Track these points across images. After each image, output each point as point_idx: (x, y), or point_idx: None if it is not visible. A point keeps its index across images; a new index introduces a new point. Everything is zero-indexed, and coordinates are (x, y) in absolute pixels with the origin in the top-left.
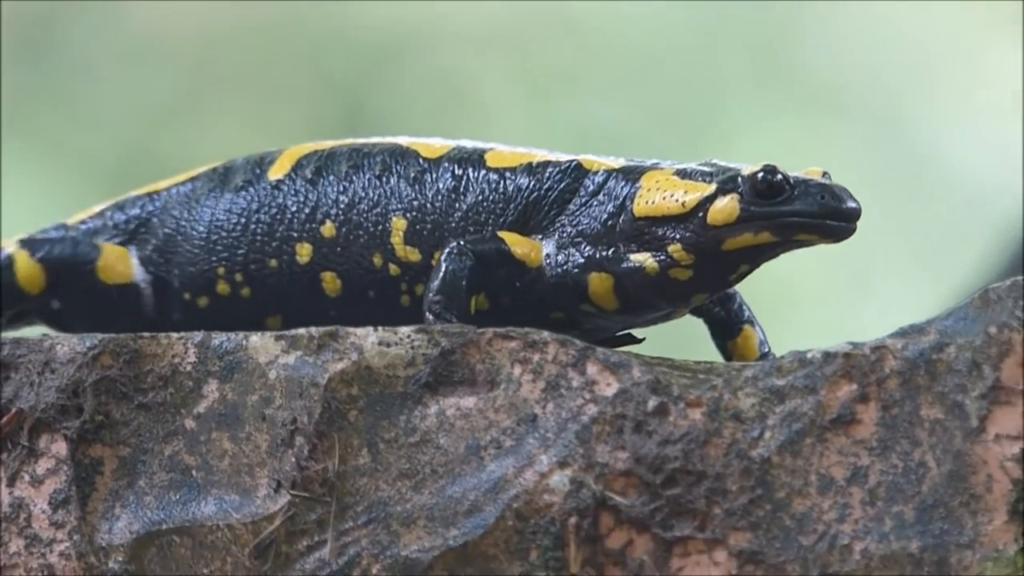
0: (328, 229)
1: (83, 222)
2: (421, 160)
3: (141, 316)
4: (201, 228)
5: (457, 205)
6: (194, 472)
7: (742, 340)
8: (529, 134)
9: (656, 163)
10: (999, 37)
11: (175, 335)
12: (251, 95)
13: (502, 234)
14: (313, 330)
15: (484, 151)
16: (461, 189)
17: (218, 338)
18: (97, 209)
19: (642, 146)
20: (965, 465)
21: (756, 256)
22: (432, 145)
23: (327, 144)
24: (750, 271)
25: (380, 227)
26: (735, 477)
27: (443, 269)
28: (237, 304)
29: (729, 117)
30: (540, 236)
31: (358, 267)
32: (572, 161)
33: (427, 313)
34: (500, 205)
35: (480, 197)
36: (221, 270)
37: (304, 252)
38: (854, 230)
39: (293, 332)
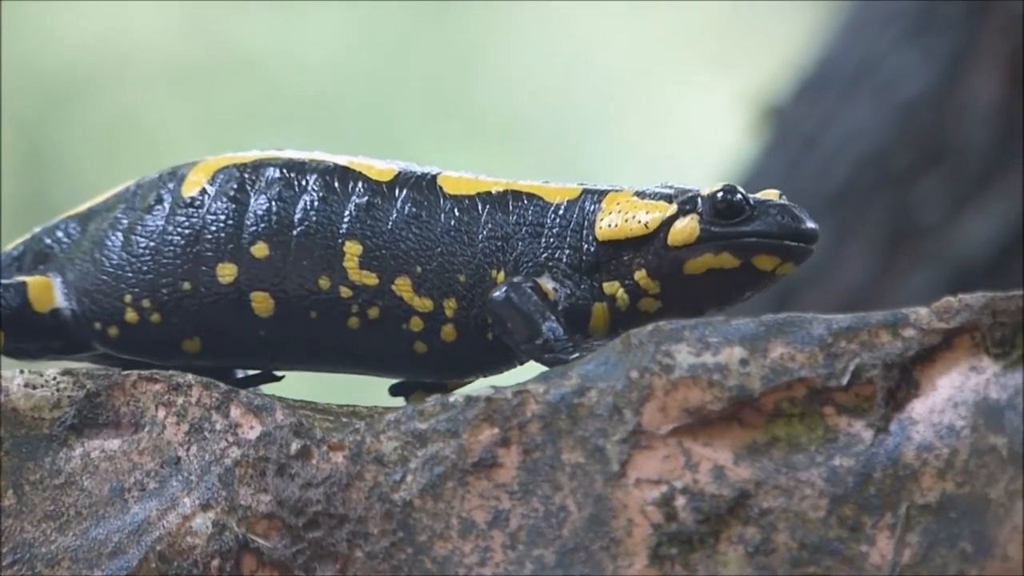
0: (260, 249)
1: (16, 247)
2: (370, 182)
3: (70, 338)
4: (110, 252)
5: (421, 233)
6: None
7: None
8: None
9: (613, 185)
10: (679, 79)
11: None
12: None
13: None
14: None
15: (436, 174)
16: (424, 216)
17: None
18: (32, 232)
19: None
20: (606, 509)
21: (720, 287)
22: (375, 166)
23: (247, 157)
24: (717, 312)
25: (329, 250)
26: (377, 520)
27: (517, 312)
28: (147, 330)
29: (408, 152)
30: (526, 271)
31: (300, 288)
32: (532, 194)
33: (542, 358)
34: (468, 234)
35: (446, 226)
36: (128, 297)
37: (227, 272)
38: (812, 251)
39: None
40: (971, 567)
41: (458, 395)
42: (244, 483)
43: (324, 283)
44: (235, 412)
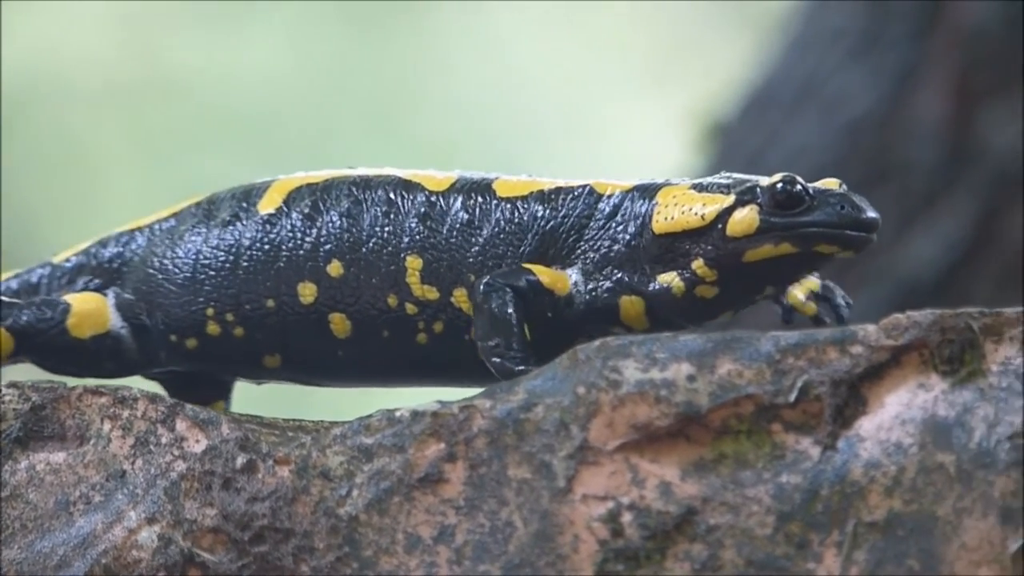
0: (335, 268)
1: (68, 259)
2: (428, 193)
3: (123, 360)
4: (185, 266)
5: (473, 239)
6: None
7: None
8: (143, 191)
9: (668, 180)
10: (621, 98)
11: None
12: None
13: (527, 265)
14: None
15: (490, 180)
16: (476, 223)
17: None
18: (84, 245)
19: None
20: (552, 525)
21: (779, 272)
22: (435, 177)
23: (319, 176)
24: (776, 293)
25: (393, 266)
26: (323, 535)
27: (486, 311)
28: (230, 343)
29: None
30: (561, 265)
31: (372, 309)
32: (585, 186)
33: (490, 360)
34: (517, 236)
35: (496, 229)
36: (210, 311)
37: (307, 292)
38: (873, 240)
39: None
40: None
41: (404, 409)
42: (190, 497)
43: (392, 301)
44: (181, 426)
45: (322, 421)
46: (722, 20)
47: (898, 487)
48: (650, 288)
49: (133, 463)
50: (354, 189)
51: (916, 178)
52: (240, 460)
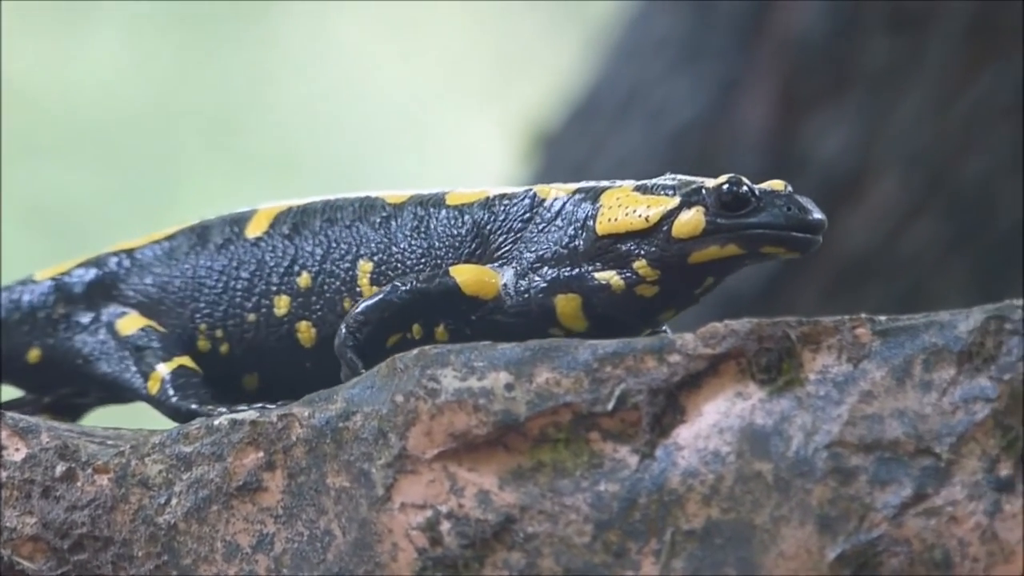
0: (304, 280)
1: (53, 279)
2: (387, 206)
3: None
4: (183, 285)
5: (417, 243)
6: None
7: None
8: None
9: (614, 182)
10: (454, 108)
11: None
12: None
13: (455, 269)
14: None
15: (446, 192)
16: (422, 228)
17: None
18: (66, 267)
19: (99, 216)
20: (371, 534)
21: (722, 269)
22: (398, 194)
23: (301, 201)
24: (715, 284)
25: (350, 273)
26: (142, 543)
27: (380, 295)
28: (216, 361)
29: (185, 187)
30: (498, 264)
31: (331, 313)
32: (528, 190)
33: (342, 326)
34: (458, 239)
35: (440, 234)
36: (203, 326)
37: (281, 304)
38: (819, 242)
39: None
40: None
41: (223, 418)
42: (9, 505)
43: (347, 305)
44: (2, 434)
45: (141, 430)
46: (559, 33)
47: (716, 495)
48: (587, 285)
49: None
50: (327, 208)
51: None
52: (59, 468)
